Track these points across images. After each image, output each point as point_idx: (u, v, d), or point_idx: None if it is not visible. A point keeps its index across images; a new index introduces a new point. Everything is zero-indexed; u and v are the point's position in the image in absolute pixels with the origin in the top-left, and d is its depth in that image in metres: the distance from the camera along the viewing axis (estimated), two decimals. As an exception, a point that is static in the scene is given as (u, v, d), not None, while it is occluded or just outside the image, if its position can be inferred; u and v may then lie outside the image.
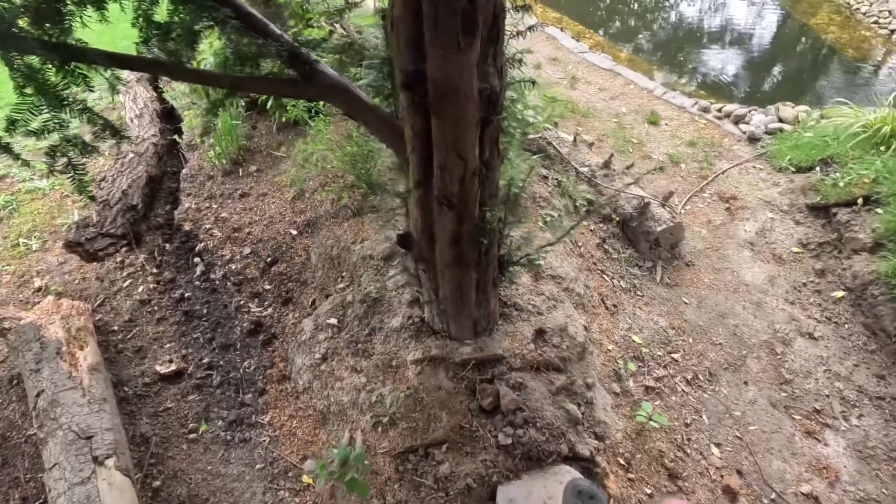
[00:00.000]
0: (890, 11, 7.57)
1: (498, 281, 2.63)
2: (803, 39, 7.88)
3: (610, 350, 3.24)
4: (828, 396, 3.19)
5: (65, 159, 1.68)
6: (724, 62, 7.34)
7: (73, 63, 1.56)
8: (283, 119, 4.33)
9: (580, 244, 3.75)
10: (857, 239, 3.78)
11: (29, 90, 1.57)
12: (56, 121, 1.63)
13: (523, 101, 4.36)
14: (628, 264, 3.84)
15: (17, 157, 1.69)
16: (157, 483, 2.89)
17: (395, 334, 2.92)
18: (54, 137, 1.67)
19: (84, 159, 1.72)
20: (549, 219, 3.59)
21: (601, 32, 7.97)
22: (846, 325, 3.54)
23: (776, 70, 7.05)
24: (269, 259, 3.77)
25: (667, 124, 5.40)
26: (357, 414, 2.76)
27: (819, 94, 6.05)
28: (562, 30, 7.44)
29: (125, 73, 5.32)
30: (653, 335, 3.42)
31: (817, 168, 4.41)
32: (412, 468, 2.47)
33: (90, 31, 1.62)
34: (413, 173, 2.03)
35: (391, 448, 2.55)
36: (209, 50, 3.71)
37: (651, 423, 2.87)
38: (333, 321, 3.13)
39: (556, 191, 3.92)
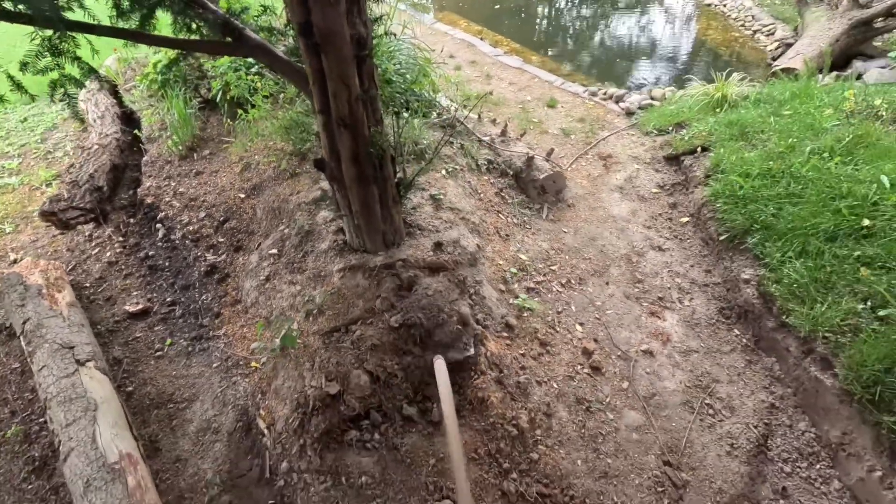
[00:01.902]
0: (752, 16, 9.06)
1: (397, 199, 3.45)
2: (694, 49, 9.22)
3: (500, 264, 4.09)
4: (669, 288, 4.11)
5: (62, 90, 2.42)
6: (617, 58, 8.62)
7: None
8: (232, 109, 5.11)
9: (480, 192, 4.64)
10: (696, 176, 4.82)
11: (36, 41, 2.32)
12: (55, 62, 2.38)
13: (434, 87, 5.31)
14: (520, 206, 4.75)
15: (25, 91, 2.43)
16: (130, 389, 3.50)
17: (323, 254, 3.68)
18: (54, 75, 2.42)
19: (76, 91, 2.47)
20: (450, 169, 4.46)
21: (519, 42, 9.16)
22: (688, 240, 4.53)
23: (660, 64, 8.32)
24: (221, 219, 4.48)
25: (562, 107, 6.46)
26: (293, 313, 3.48)
27: (688, 79, 7.26)
28: (481, 39, 8.56)
29: (87, 83, 6.01)
30: (537, 254, 4.30)
31: (671, 129, 5.50)
32: (335, 340, 3.20)
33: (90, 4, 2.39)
34: (316, 102, 2.85)
35: (319, 329, 3.29)
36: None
37: (526, 305, 3.72)
38: (274, 251, 3.87)
39: (459, 152, 4.81)
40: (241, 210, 4.48)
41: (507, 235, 4.41)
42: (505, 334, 3.54)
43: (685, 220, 4.69)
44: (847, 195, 3.64)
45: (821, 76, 5.90)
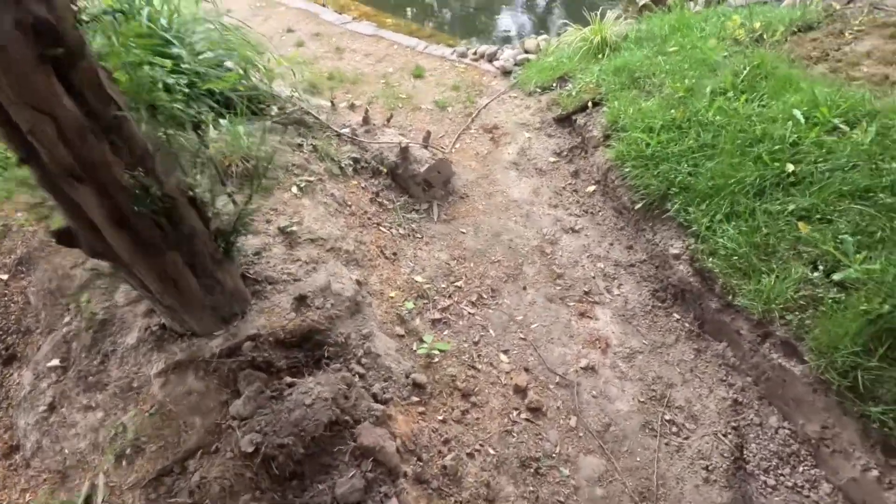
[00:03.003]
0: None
1: (220, 257, 2.35)
2: None
3: (393, 297, 3.17)
4: (593, 277, 3.50)
5: None
6: (482, 10, 7.80)
7: None
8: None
9: (349, 203, 3.62)
10: (594, 136, 4.21)
11: None
12: None
13: (268, 74, 4.09)
14: (404, 211, 3.83)
15: None
16: None
17: (132, 352, 2.51)
18: None
19: None
20: (303, 184, 3.38)
21: (369, 4, 7.95)
22: (600, 213, 3.93)
23: (528, 10, 7.66)
24: (-24, 318, 3.03)
25: (431, 75, 5.53)
26: (98, 456, 2.31)
27: (562, 25, 6.65)
28: (324, 6, 7.24)
29: None
30: (435, 271, 3.44)
31: (555, 85, 4.83)
32: (166, 491, 2.12)
33: None
34: (8, 144, 1.65)
35: (141, 478, 2.17)
36: None
37: (435, 349, 2.87)
38: (55, 362, 2.59)
39: (313, 156, 3.73)
40: (5, 299, 3.06)
41: (394, 254, 3.48)
42: (415, 399, 2.67)
43: (591, 188, 4.09)
44: (763, 138, 3.19)
45: (692, 4, 5.54)
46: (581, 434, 2.72)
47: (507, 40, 6.68)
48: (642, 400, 2.85)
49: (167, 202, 1.98)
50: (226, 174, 3.05)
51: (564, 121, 4.55)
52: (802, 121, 3.16)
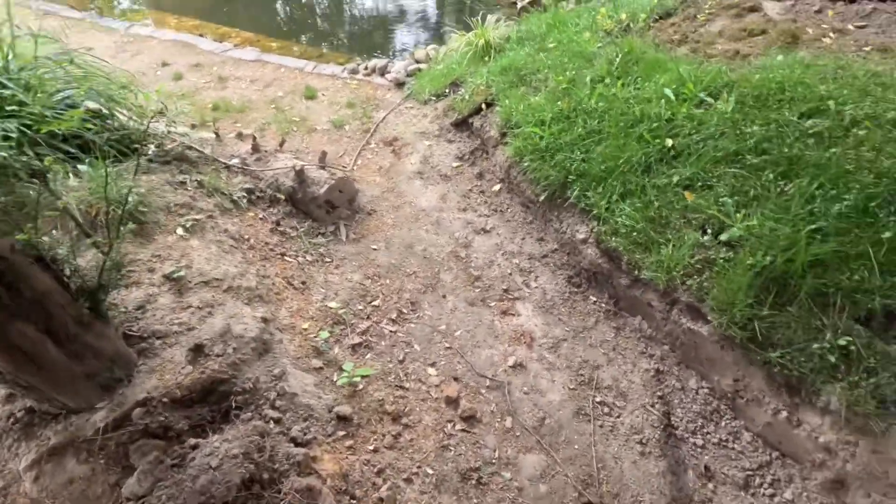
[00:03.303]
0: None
1: (89, 321, 2.05)
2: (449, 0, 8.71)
3: (306, 328, 2.97)
4: (510, 274, 3.50)
5: None
6: (368, 26, 7.78)
7: None
8: None
9: (248, 237, 3.38)
10: (492, 136, 4.26)
11: None
12: None
13: (140, 112, 3.77)
14: (310, 236, 3.63)
15: None
16: None
17: (-7, 448, 2.12)
18: None
19: None
20: (190, 224, 3.10)
21: (251, 30, 7.65)
22: (508, 210, 3.97)
23: (415, 22, 7.73)
24: None
25: (324, 95, 5.38)
26: (-41, 583, 1.92)
27: (447, 33, 6.77)
28: (201, 35, 6.86)
29: None
30: (350, 294, 3.28)
31: (448, 91, 4.87)
32: None
33: None
34: None
35: None
36: None
37: (357, 376, 2.71)
38: None
39: (199, 193, 3.44)
40: None
41: (303, 283, 3.28)
42: (341, 433, 2.49)
43: (497, 187, 4.13)
44: (642, 118, 3.37)
45: (565, 3, 5.85)
46: (518, 433, 2.67)
47: (399, 53, 6.68)
48: (572, 387, 2.87)
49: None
50: (92, 224, 2.72)
51: (462, 125, 4.58)
52: (673, 98, 3.38)
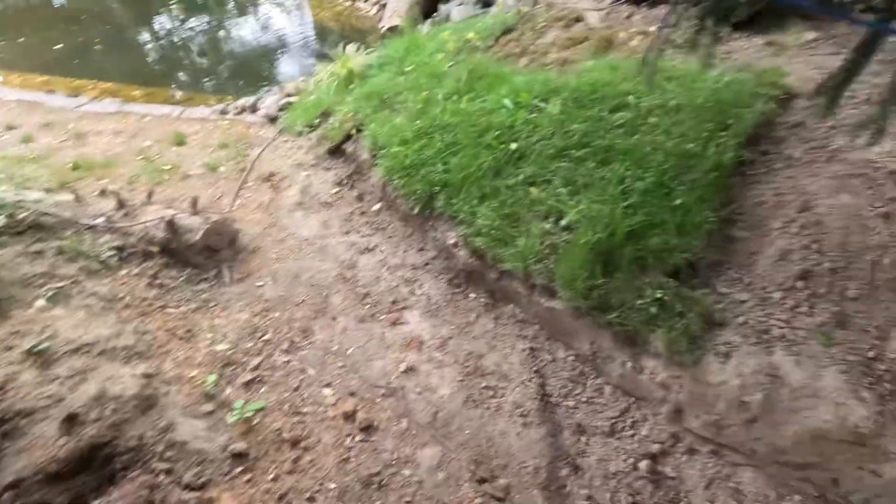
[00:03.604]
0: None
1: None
2: (315, 32, 8.81)
3: (194, 376, 2.97)
4: (396, 286, 3.71)
5: None
6: (237, 65, 7.75)
7: None
8: None
9: (122, 296, 3.30)
10: (365, 160, 4.48)
11: None
12: None
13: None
14: (191, 284, 3.61)
15: None
16: None
17: None
18: None
19: None
20: (51, 293, 2.99)
21: (109, 80, 7.30)
22: (389, 227, 4.20)
23: (284, 58, 7.82)
24: None
25: (195, 139, 5.31)
26: None
27: (313, 65, 6.92)
28: (51, 91, 6.46)
29: None
30: (238, 333, 3.31)
31: (319, 121, 5.04)
32: None
33: None
34: None
35: None
36: None
37: (249, 411, 2.78)
38: None
39: (60, 259, 3.31)
40: None
41: (188, 332, 3.27)
42: (239, 469, 2.55)
43: (377, 207, 4.35)
44: (489, 128, 3.75)
45: (421, 27, 6.25)
46: (414, 431, 2.87)
47: (269, 88, 6.72)
48: (460, 379, 3.12)
49: None
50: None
51: (336, 152, 4.76)
52: (512, 106, 3.80)
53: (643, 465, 2.69)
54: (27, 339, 2.68)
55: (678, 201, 2.83)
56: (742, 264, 2.84)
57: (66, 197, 3.95)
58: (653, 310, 2.70)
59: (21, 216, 3.56)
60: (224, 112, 5.61)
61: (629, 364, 2.84)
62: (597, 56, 4.19)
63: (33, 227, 3.55)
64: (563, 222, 3.13)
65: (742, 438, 2.56)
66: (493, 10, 5.98)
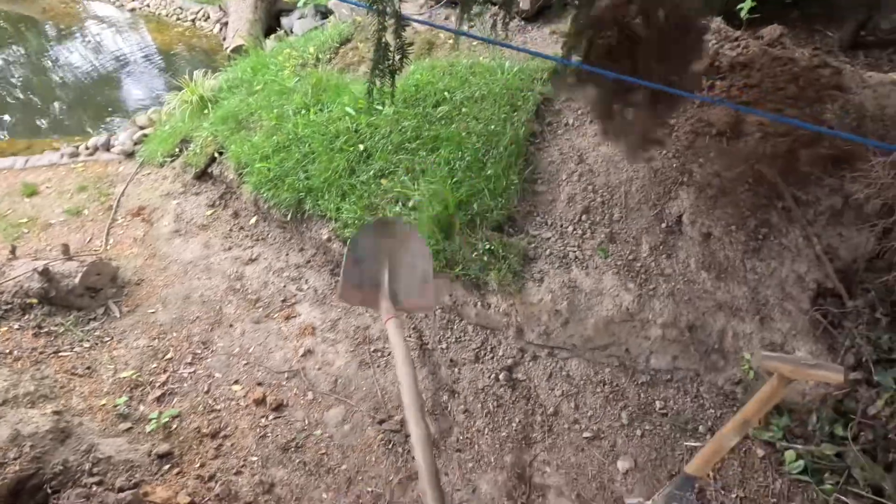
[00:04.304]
0: (180, 7, 9.06)
1: None
2: (158, 55, 8.46)
3: (104, 404, 3.23)
4: (284, 286, 4.16)
5: None
6: (77, 103, 7.42)
7: None
8: None
9: (9, 351, 3.41)
10: (233, 179, 4.80)
11: None
12: None
13: None
14: (81, 326, 3.77)
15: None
16: None
17: None
18: None
19: None
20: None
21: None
22: (269, 235, 4.59)
23: (130, 90, 7.61)
24: None
25: (48, 187, 5.21)
26: None
27: (161, 94, 6.90)
28: None
29: None
30: (140, 359, 3.58)
31: (180, 149, 5.22)
32: None
33: None
34: None
35: None
36: None
37: (166, 418, 3.13)
38: None
39: (-70, 330, 3.32)
40: None
41: (88, 369, 3.47)
42: (167, 467, 2.92)
43: (253, 220, 4.71)
44: (338, 134, 4.30)
45: (265, 43, 6.53)
46: (320, 400, 3.41)
47: (118, 124, 6.60)
48: (352, 349, 3.70)
49: None
50: None
51: (203, 176, 5.00)
52: (354, 113, 4.38)
53: (502, 376, 3.49)
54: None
55: (490, 171, 3.63)
56: (545, 211, 3.72)
57: (-85, 270, 3.84)
58: (485, 258, 3.48)
59: None
60: (75, 154, 5.50)
61: (479, 304, 3.62)
62: (421, 58, 4.89)
63: None
64: (410, 203, 3.81)
65: (563, 338, 3.46)
66: (331, 20, 6.44)
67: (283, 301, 4.07)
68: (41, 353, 3.49)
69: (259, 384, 3.48)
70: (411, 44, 5.47)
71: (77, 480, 2.66)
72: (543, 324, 3.46)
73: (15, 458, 2.62)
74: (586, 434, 3.21)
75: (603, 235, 3.52)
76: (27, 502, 2.54)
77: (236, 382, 3.49)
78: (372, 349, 3.71)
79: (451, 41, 5.23)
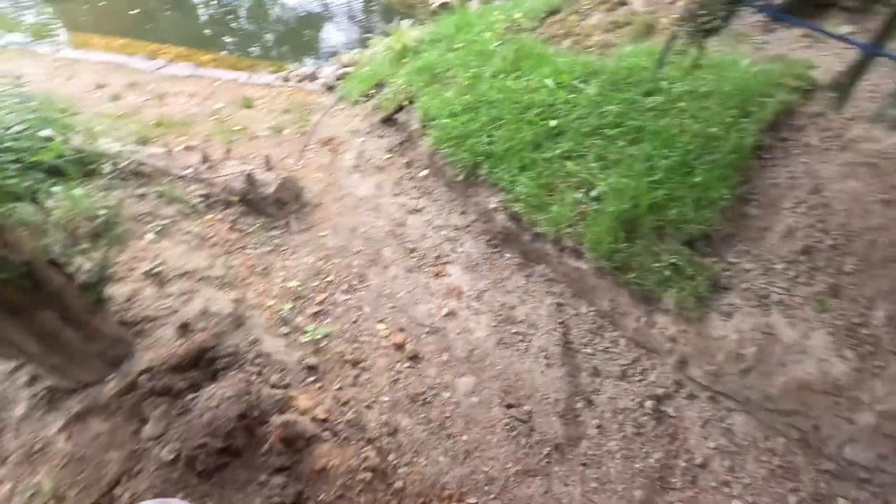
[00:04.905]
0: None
1: (93, 307, 2.57)
2: (362, 4, 9.10)
3: (271, 305, 3.56)
4: (440, 244, 4.19)
5: None
6: (294, 32, 8.21)
7: None
8: None
9: (210, 237, 3.90)
10: (415, 129, 4.92)
11: None
12: None
13: (91, 134, 4.14)
14: (265, 230, 4.18)
15: None
16: None
17: (25, 421, 2.62)
18: None
19: None
20: (158, 229, 3.60)
21: (181, 44, 7.89)
22: (435, 191, 4.65)
23: (338, 27, 8.22)
24: None
25: (261, 103, 5.85)
26: (19, 522, 2.43)
27: (367, 38, 7.30)
28: (131, 54, 7.08)
29: None
30: (306, 274, 3.87)
31: (374, 92, 5.48)
32: (100, 521, 2.35)
33: None
34: None
35: (70, 521, 2.36)
36: None
37: (319, 334, 3.34)
38: (-61, 458, 2.59)
39: (161, 202, 3.92)
40: None
41: (265, 270, 3.85)
42: (311, 378, 3.13)
43: (424, 173, 4.80)
44: (531, 105, 4.13)
45: (471, 3, 6.54)
46: (453, 364, 3.39)
47: (327, 58, 7.18)
48: (494, 325, 3.61)
49: (25, 267, 2.20)
50: (74, 235, 3.18)
51: (389, 121, 5.21)
52: (553, 86, 4.15)
53: (648, 404, 3.14)
54: (144, 263, 3.30)
55: (698, 179, 3.18)
56: (751, 238, 3.19)
57: (159, 150, 4.56)
58: (667, 272, 3.10)
59: (122, 165, 4.18)
60: (286, 79, 6.11)
61: (643, 319, 3.26)
62: (637, 41, 4.46)
63: (135, 174, 4.18)
64: (594, 193, 3.52)
65: (736, 386, 2.98)
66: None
67: (437, 258, 4.10)
68: (232, 245, 3.94)
69: (401, 330, 3.56)
70: (626, 24, 5.04)
71: (241, 366, 2.96)
72: (717, 363, 3.00)
73: (202, 329, 2.99)
74: (736, 502, 2.75)
75: (824, 285, 2.91)
76: (202, 370, 2.89)
77: (381, 321, 3.61)
78: (514, 331, 3.57)
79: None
